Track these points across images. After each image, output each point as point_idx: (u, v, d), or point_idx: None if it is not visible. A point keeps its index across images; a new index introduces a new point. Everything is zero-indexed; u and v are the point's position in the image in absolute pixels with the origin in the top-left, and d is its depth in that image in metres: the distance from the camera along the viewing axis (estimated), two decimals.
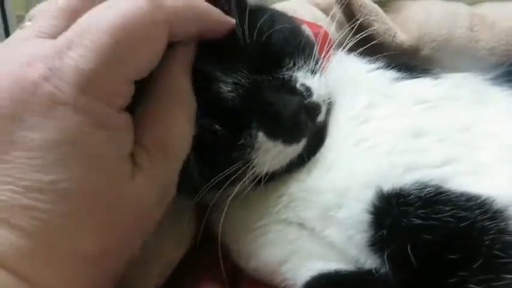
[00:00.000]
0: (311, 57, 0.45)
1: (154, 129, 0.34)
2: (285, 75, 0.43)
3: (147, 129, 0.34)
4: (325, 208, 0.42)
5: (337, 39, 0.53)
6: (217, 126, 0.40)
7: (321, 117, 0.43)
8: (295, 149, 0.43)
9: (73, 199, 0.30)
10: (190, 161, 0.39)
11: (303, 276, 0.42)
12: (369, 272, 0.39)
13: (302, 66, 0.44)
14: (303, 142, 0.43)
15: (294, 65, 0.44)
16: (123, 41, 0.30)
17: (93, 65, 0.30)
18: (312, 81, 0.44)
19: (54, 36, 0.32)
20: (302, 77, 0.44)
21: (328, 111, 0.45)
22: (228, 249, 0.46)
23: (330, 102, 0.45)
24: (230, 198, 0.42)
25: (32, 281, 0.29)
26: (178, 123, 0.35)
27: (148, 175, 0.33)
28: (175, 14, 0.33)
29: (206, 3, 0.37)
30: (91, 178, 0.31)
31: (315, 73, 0.45)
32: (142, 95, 0.35)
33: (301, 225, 0.44)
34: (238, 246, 0.46)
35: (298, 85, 0.43)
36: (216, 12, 0.38)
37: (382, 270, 0.38)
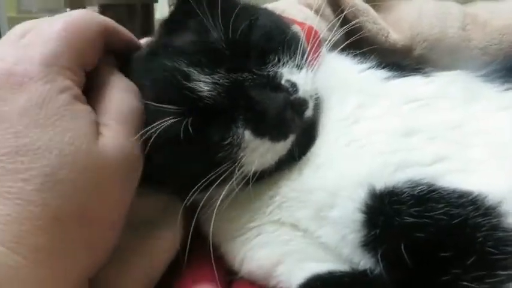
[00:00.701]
0: (297, 53, 0.45)
1: (106, 108, 0.41)
2: (270, 72, 0.43)
3: (101, 109, 0.41)
4: (317, 208, 0.41)
5: (322, 32, 0.53)
6: (189, 128, 0.41)
7: (308, 113, 0.43)
8: (283, 146, 0.42)
9: (47, 155, 0.35)
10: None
11: (297, 278, 0.42)
12: (363, 273, 0.39)
13: (287, 62, 0.44)
14: (290, 138, 0.42)
15: (279, 61, 0.44)
16: (70, 36, 0.40)
17: (52, 48, 0.39)
18: (298, 76, 0.44)
19: None
20: (287, 73, 0.43)
21: (317, 107, 0.45)
22: (220, 250, 0.46)
23: (318, 97, 0.45)
24: (220, 199, 0.42)
25: (20, 250, 0.32)
26: (121, 98, 0.42)
27: (111, 138, 0.39)
28: (104, 25, 0.43)
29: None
30: (60, 135, 0.36)
31: (301, 68, 0.45)
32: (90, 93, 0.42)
33: (295, 226, 0.43)
34: (231, 248, 0.46)
35: (283, 81, 0.43)
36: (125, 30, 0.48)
37: (377, 270, 0.38)
